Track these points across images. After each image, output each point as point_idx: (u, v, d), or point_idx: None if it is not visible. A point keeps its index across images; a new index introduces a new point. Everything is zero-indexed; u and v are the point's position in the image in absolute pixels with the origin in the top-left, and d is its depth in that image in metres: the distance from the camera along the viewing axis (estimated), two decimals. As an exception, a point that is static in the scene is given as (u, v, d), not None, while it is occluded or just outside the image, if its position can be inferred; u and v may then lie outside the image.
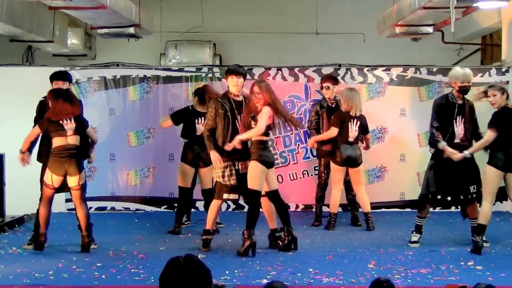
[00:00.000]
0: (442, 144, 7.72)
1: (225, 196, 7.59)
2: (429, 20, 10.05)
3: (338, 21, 12.73)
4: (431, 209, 10.41)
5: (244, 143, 7.56)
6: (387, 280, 4.07)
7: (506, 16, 10.58)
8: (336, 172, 8.96)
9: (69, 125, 7.46)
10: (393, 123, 10.77)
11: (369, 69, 10.84)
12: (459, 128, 7.81)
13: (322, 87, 9.39)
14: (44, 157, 7.72)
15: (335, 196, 8.97)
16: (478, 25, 11.66)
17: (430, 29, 10.44)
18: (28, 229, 9.05)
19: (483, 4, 8.62)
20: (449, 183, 7.77)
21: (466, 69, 8.01)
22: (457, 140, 7.80)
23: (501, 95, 7.59)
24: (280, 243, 7.68)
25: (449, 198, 7.88)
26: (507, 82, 10.26)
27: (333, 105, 9.27)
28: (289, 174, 10.62)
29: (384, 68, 10.88)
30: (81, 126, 7.62)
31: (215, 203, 7.67)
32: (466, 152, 7.61)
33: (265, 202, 7.69)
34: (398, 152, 10.74)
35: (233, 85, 7.65)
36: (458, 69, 8.04)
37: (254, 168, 7.45)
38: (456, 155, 7.63)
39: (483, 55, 13.31)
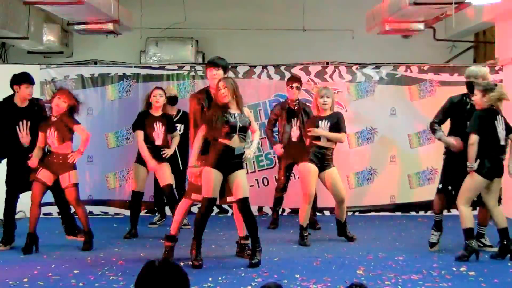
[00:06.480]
0: (439, 134, 7.84)
1: (193, 196, 7.37)
2: (420, 17, 10.10)
3: (326, 17, 12.77)
4: (423, 213, 10.58)
5: None
6: (361, 284, 4.09)
7: (499, 13, 10.64)
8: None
9: None
10: (383, 123, 10.82)
11: (358, 67, 10.92)
12: None
13: (292, 87, 9.42)
14: None
15: None
16: (470, 22, 11.72)
17: (421, 26, 10.49)
18: None
19: (476, 0, 8.67)
20: (458, 179, 7.63)
21: (478, 66, 8.07)
22: None
23: (481, 96, 7.35)
24: (247, 253, 7.46)
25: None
26: (501, 81, 10.32)
27: (295, 107, 9.39)
28: (275, 176, 10.62)
29: (373, 66, 10.95)
30: None
31: (186, 203, 7.45)
32: (469, 164, 7.33)
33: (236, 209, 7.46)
34: (388, 153, 10.82)
35: (211, 78, 7.35)
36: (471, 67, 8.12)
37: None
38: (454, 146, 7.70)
39: (476, 53, 13.39)
